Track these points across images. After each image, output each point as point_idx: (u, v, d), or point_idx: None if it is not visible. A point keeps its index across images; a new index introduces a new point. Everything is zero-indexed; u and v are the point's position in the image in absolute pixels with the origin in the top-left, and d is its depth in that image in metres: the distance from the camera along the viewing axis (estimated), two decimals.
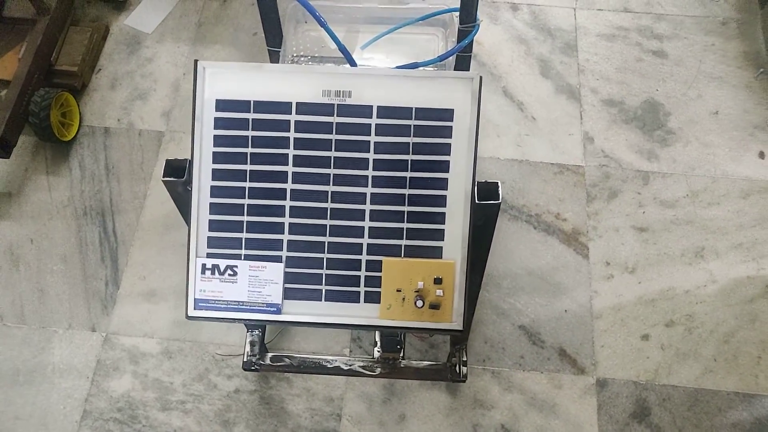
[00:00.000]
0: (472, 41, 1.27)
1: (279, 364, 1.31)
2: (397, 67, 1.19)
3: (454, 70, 1.36)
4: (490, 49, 1.81)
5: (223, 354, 1.43)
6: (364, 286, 0.86)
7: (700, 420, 1.38)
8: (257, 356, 1.32)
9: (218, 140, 0.85)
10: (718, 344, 1.45)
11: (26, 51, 1.64)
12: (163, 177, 0.84)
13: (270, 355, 1.33)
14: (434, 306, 0.83)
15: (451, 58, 1.30)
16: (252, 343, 1.31)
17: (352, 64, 1.08)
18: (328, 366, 1.31)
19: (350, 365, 1.31)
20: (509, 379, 1.43)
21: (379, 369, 1.31)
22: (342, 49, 1.03)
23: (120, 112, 1.74)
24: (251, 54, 1.82)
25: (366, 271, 0.86)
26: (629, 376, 1.43)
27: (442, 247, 0.85)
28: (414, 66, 1.23)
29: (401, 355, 1.31)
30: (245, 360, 1.32)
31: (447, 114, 0.84)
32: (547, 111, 1.73)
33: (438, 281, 0.84)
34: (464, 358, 1.32)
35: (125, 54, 1.83)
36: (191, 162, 0.84)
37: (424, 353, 1.44)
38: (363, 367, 1.30)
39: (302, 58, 1.36)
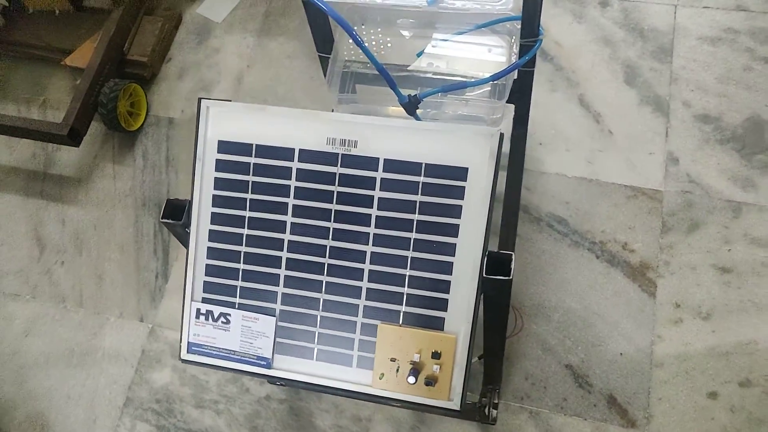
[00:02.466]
0: (534, 57, 1.15)
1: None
2: (444, 88, 1.10)
3: (513, 87, 1.23)
4: (569, 52, 1.65)
5: None
6: (358, 350, 0.80)
7: None
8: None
9: (219, 183, 0.81)
10: None
11: (100, 41, 1.68)
12: (162, 218, 0.81)
13: None
14: (429, 382, 0.76)
15: (509, 75, 1.18)
16: None
17: (392, 85, 0.99)
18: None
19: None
20: (548, 422, 1.33)
21: None
22: (380, 69, 0.96)
23: (184, 103, 1.76)
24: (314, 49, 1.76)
25: (361, 334, 0.80)
26: None
27: (444, 318, 0.77)
28: (463, 86, 1.12)
29: None
30: None
31: (460, 173, 0.75)
32: (627, 125, 1.55)
33: (436, 356, 0.77)
34: (495, 401, 1.24)
35: (194, 44, 1.83)
36: (191, 203, 0.81)
37: None
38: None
39: (354, 65, 1.28)
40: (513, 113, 1.39)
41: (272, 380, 1.31)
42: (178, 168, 1.67)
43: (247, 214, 0.81)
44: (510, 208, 1.34)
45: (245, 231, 0.82)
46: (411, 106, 1.08)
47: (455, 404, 0.77)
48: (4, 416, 1.47)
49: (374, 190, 0.77)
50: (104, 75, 1.67)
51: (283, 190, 0.80)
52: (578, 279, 1.43)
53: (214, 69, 1.78)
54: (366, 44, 1.26)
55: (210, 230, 0.82)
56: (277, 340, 0.82)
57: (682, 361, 1.34)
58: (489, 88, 1.21)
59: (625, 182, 1.50)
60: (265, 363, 0.82)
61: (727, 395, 1.30)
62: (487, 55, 1.25)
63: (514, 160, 1.39)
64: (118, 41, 1.71)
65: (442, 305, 0.77)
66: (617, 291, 1.41)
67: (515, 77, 1.23)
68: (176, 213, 0.81)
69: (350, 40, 1.27)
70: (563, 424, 1.32)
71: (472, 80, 1.10)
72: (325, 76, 1.24)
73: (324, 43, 1.27)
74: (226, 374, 1.44)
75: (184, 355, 0.84)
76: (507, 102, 1.13)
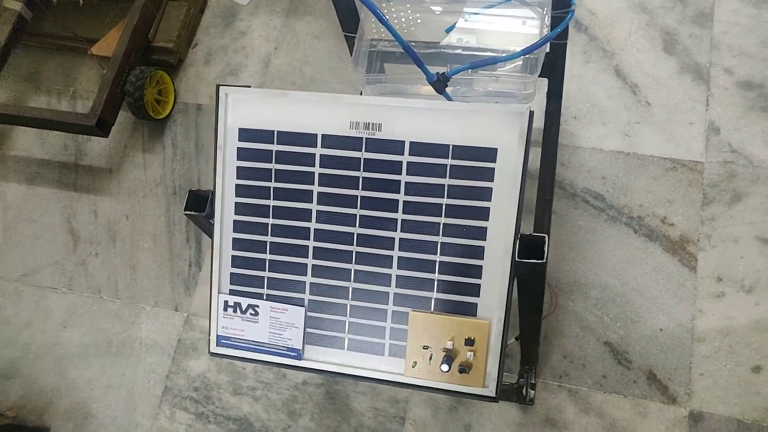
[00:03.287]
0: (567, 28, 1.10)
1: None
2: (473, 64, 1.06)
3: (546, 60, 1.18)
4: (604, 20, 1.58)
5: None
6: (390, 339, 0.79)
7: None
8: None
9: (241, 172, 0.80)
10: None
11: (124, 29, 1.68)
12: (185, 210, 0.80)
13: None
14: (463, 369, 0.75)
15: (541, 48, 1.13)
16: None
17: (418, 63, 0.96)
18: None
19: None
20: (587, 400, 1.30)
21: None
22: (405, 47, 0.92)
23: (212, 89, 1.75)
24: None
25: (392, 322, 0.78)
26: (732, 412, 1.25)
27: (476, 304, 0.75)
28: (493, 61, 1.08)
29: None
30: None
31: (490, 154, 0.72)
32: (665, 95, 1.49)
33: (470, 342, 0.75)
34: (533, 381, 1.22)
35: (221, 27, 1.82)
36: (213, 194, 0.80)
37: None
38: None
39: (381, 43, 1.25)
40: (546, 87, 1.34)
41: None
42: (209, 155, 1.67)
43: (272, 203, 0.80)
44: (545, 185, 1.30)
45: (270, 221, 0.80)
46: (440, 84, 1.05)
47: (491, 391, 0.75)
48: (49, 406, 1.51)
49: (401, 174, 0.75)
50: (130, 63, 1.67)
51: (307, 178, 0.78)
52: (615, 255, 1.39)
53: (241, 53, 1.77)
54: (394, 21, 1.23)
55: (234, 221, 0.81)
56: (307, 330, 0.81)
57: (724, 335, 1.30)
58: (521, 63, 1.17)
59: (664, 154, 1.45)
60: (295, 354, 0.81)
61: None
62: (520, 27, 1.21)
63: (548, 135, 1.34)
64: (143, 28, 1.70)
65: (474, 291, 0.75)
66: (656, 266, 1.37)
67: (547, 50, 1.19)
68: (199, 204, 0.81)
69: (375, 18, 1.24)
70: (603, 401, 1.29)
71: (503, 55, 1.06)
72: (351, 55, 1.21)
73: (349, 22, 1.24)
74: None
75: (214, 349, 0.83)
76: (540, 76, 1.09)
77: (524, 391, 1.21)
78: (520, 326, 1.02)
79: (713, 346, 1.30)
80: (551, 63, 1.22)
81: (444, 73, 1.04)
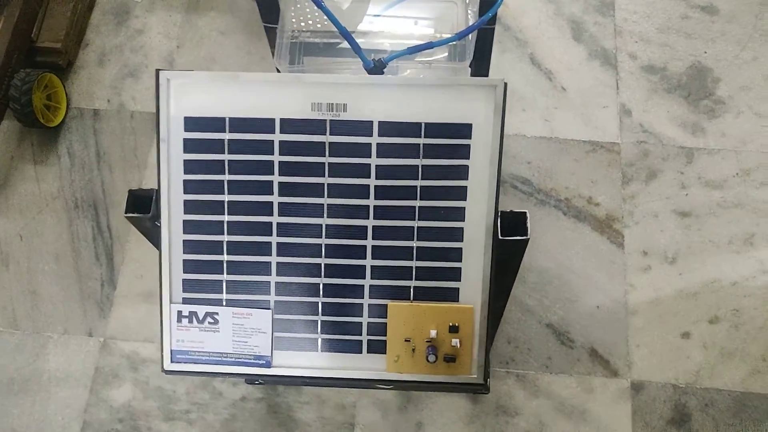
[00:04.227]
0: (495, 14, 1.09)
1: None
2: (409, 49, 1.03)
3: (476, 46, 1.18)
4: (515, 11, 1.61)
5: None
6: (368, 335, 0.73)
7: (746, 427, 1.26)
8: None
9: (189, 166, 0.71)
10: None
11: (2, 29, 1.49)
12: (126, 212, 0.70)
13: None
14: (449, 358, 0.71)
15: (470, 35, 1.12)
16: None
17: (356, 49, 0.91)
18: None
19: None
20: (535, 383, 1.31)
21: None
22: (344, 32, 0.87)
23: (110, 92, 1.60)
24: (251, 22, 1.65)
25: (369, 317, 0.73)
26: (667, 378, 1.30)
27: (458, 288, 0.71)
28: (429, 46, 1.05)
29: None
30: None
31: (464, 130, 0.69)
32: (578, 80, 1.54)
33: (454, 329, 0.71)
34: (488, 369, 1.20)
35: (113, 25, 1.67)
36: (158, 192, 0.71)
37: None
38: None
39: (303, 35, 1.19)
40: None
41: (250, 380, 1.22)
42: (112, 164, 1.52)
43: (227, 198, 0.72)
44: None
45: (226, 218, 0.72)
46: (376, 71, 1.01)
47: (478, 378, 0.72)
48: None
49: (370, 157, 0.70)
50: (12, 66, 1.49)
51: (266, 167, 0.71)
52: (548, 237, 1.42)
53: (140, 52, 1.63)
54: (309, 16, 1.18)
55: (185, 221, 0.72)
56: (275, 334, 0.74)
57: (655, 306, 1.36)
58: (447, 53, 1.16)
59: (583, 137, 1.50)
60: (264, 362, 0.74)
61: (699, 334, 1.33)
62: (443, 12, 1.20)
63: None
64: (24, 27, 1.53)
65: (455, 275, 0.71)
66: (587, 245, 1.41)
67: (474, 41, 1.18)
68: (142, 205, 0.71)
69: (299, 7, 1.17)
70: (550, 382, 1.31)
71: (439, 39, 1.04)
72: (272, 48, 1.15)
73: (269, 11, 1.16)
74: (194, 381, 1.33)
75: (168, 366, 0.74)
76: None
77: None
78: (490, 306, 1.00)
79: (645, 317, 1.35)
80: (479, 50, 1.22)
81: (380, 59, 1.00)
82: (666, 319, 1.35)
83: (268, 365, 0.73)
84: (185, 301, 0.74)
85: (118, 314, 1.39)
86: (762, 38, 1.54)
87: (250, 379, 1.21)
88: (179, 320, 0.73)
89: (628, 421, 1.28)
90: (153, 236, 0.73)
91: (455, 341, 0.71)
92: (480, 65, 1.30)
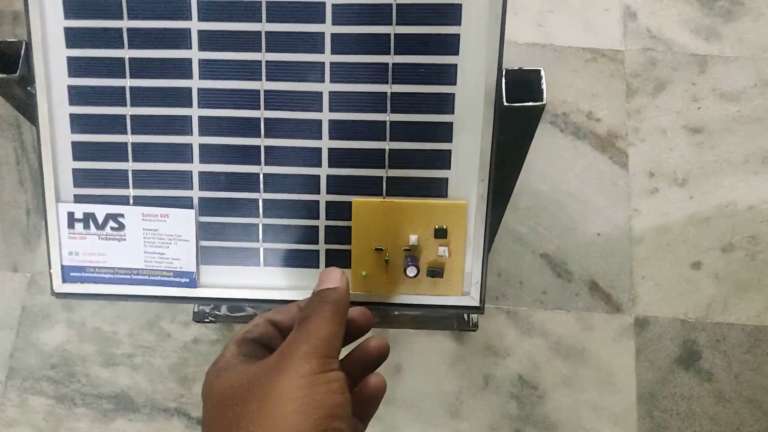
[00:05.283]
0: None
1: (239, 314, 1.03)
2: None
3: None
4: None
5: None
6: (325, 243, 0.54)
7: (761, 364, 1.13)
8: (212, 305, 1.04)
9: (72, 10, 0.51)
10: None
11: None
12: None
13: None
14: (435, 272, 0.53)
15: None
16: None
17: None
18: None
19: None
20: (528, 320, 1.16)
21: None
22: None
23: None
24: None
25: (327, 219, 0.54)
26: (676, 313, 1.16)
27: (447, 179, 0.53)
28: None
29: None
30: (196, 310, 1.04)
31: None
32: None
33: (441, 233, 0.53)
34: (485, 285, 1.04)
35: None
36: (29, 46, 0.50)
37: None
38: None
39: None
40: None
41: (199, 317, 1.04)
42: None
43: (127, 54, 0.52)
44: None
45: (128, 82, 0.52)
46: None
47: (473, 299, 0.54)
48: None
49: (324, 22, 0.50)
50: None
51: (181, 39, 0.50)
52: (543, 157, 1.25)
53: None
54: None
55: (69, 86, 0.52)
56: (202, 243, 0.55)
57: (662, 233, 1.20)
58: None
59: (582, 44, 1.31)
60: (187, 280, 0.55)
61: (711, 263, 1.18)
62: None
63: None
64: None
65: (444, 161, 0.53)
66: (587, 166, 1.24)
67: None
68: (6, 63, 0.50)
69: None
70: (545, 319, 1.16)
71: None
72: None
73: None
74: (138, 321, 1.15)
75: (59, 287, 0.55)
76: None
77: (466, 316, 1.03)
78: (489, 202, 0.82)
79: (652, 246, 1.20)
80: None
81: None
82: (674, 248, 1.20)
83: (194, 284, 0.55)
84: (78, 199, 0.54)
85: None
86: None
87: (199, 316, 1.03)
88: (71, 225, 0.54)
89: (632, 361, 1.14)
90: (27, 110, 0.53)
91: (443, 249, 0.53)
92: None
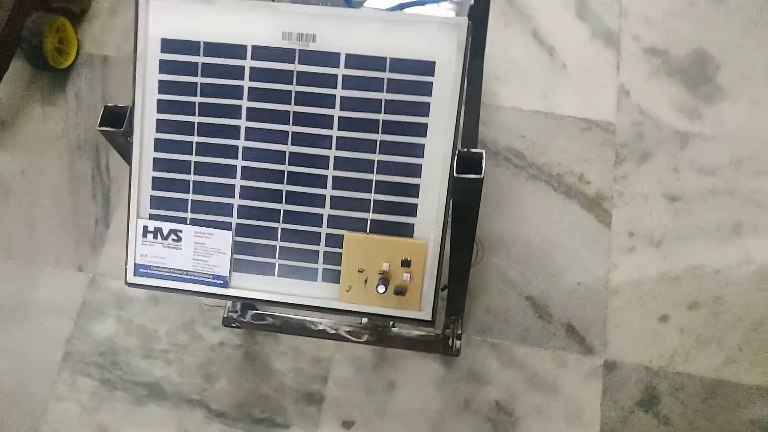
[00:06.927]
0: None
1: (261, 322, 1.24)
2: (401, 6, 1.04)
3: (472, 5, 1.18)
4: None
5: (210, 305, 1.37)
6: (323, 263, 0.75)
7: (715, 414, 1.26)
8: (239, 312, 1.25)
9: (164, 86, 0.74)
10: (745, 332, 1.30)
11: None
12: (99, 126, 0.73)
13: (252, 312, 1.25)
14: (399, 291, 0.73)
15: None
16: None
17: None
18: (313, 329, 1.23)
19: (336, 329, 1.23)
20: (510, 353, 1.32)
21: (366, 336, 1.22)
22: None
23: (120, 40, 1.64)
24: None
25: (326, 246, 0.75)
26: (641, 359, 1.30)
27: (413, 224, 0.73)
28: (421, 3, 1.07)
29: (392, 322, 1.22)
30: (226, 315, 1.25)
31: (427, 67, 0.70)
32: (580, 58, 1.54)
33: (406, 263, 0.73)
34: (459, 331, 1.22)
35: None
36: (132, 110, 0.74)
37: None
38: (349, 333, 1.22)
39: None
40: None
41: (227, 321, 1.25)
42: None
43: (197, 119, 0.74)
44: (469, 142, 1.31)
45: (195, 138, 0.75)
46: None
47: (426, 314, 0.73)
48: None
49: (336, 88, 0.72)
50: (26, 9, 1.52)
51: (236, 92, 0.73)
52: (536, 211, 1.42)
53: None
54: None
55: (156, 139, 0.75)
56: (235, 256, 0.76)
57: (635, 287, 1.36)
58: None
59: (580, 115, 1.50)
60: (221, 282, 0.76)
61: (677, 318, 1.32)
62: None
63: (471, 92, 1.35)
64: None
65: (411, 210, 0.73)
66: (574, 222, 1.41)
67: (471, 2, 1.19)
68: (116, 120, 0.74)
69: None
70: (525, 354, 1.32)
71: None
72: None
73: None
74: (176, 322, 1.37)
75: (131, 279, 0.77)
76: None
77: (450, 342, 1.22)
78: (450, 268, 1.01)
79: (625, 297, 1.35)
80: (475, 15, 1.22)
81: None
82: (646, 301, 1.35)
83: (226, 285, 0.76)
84: (152, 217, 0.77)
85: (109, 253, 1.43)
86: (766, 29, 1.53)
87: (227, 321, 1.24)
88: (144, 235, 0.76)
89: (598, 399, 1.28)
90: (126, 152, 0.76)
91: (406, 275, 0.73)
92: (477, 31, 1.30)
